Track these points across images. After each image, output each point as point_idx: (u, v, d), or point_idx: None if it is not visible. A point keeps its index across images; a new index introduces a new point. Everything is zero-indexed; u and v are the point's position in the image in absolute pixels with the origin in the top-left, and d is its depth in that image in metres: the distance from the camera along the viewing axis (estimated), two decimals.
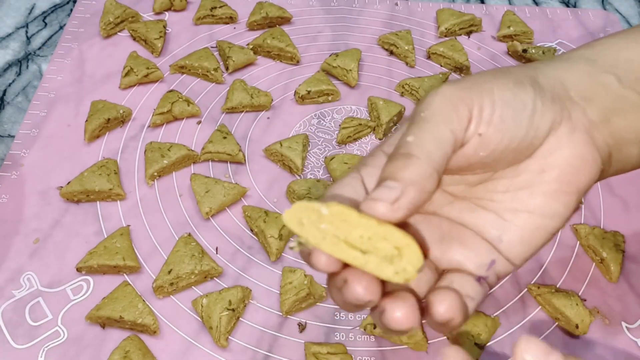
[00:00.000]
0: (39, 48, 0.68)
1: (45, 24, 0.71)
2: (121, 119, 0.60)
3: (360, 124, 0.60)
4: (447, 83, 0.29)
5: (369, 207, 0.25)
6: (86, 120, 0.59)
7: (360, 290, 0.25)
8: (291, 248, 0.27)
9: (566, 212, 0.31)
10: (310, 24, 0.73)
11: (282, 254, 0.52)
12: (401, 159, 0.26)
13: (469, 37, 0.73)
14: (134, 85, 0.64)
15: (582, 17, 0.76)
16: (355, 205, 0.27)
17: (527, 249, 0.31)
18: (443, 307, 0.27)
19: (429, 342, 0.46)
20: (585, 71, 0.32)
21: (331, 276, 0.27)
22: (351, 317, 0.48)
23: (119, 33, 0.70)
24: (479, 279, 0.30)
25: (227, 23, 0.72)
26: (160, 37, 0.67)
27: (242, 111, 0.63)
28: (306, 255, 0.26)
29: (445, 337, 0.47)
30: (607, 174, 0.34)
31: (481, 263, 0.31)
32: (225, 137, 0.58)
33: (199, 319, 0.47)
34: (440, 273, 0.31)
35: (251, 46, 0.67)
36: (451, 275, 0.30)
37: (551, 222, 0.31)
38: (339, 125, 0.61)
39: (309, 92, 0.63)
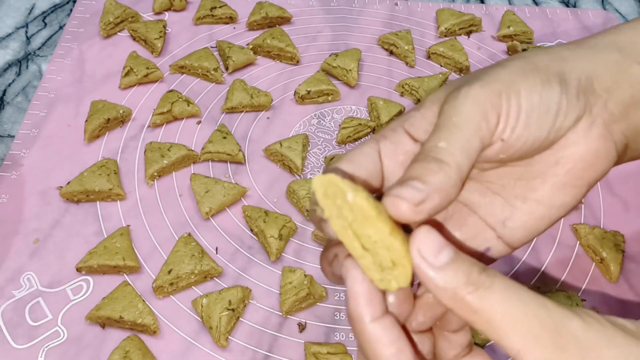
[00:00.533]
0: (39, 48, 0.68)
1: (45, 24, 0.71)
2: (121, 119, 0.60)
3: (360, 124, 0.60)
4: (477, 82, 0.29)
5: (393, 204, 0.25)
6: (86, 120, 0.59)
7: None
8: (309, 209, 0.27)
9: (572, 202, 0.31)
10: (310, 24, 0.73)
11: (282, 254, 0.52)
12: (432, 163, 0.26)
13: (468, 37, 0.73)
14: (134, 85, 0.64)
15: (582, 17, 0.76)
16: (370, 177, 0.28)
17: (527, 234, 0.31)
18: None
19: None
20: (612, 61, 0.32)
21: (326, 249, 0.29)
22: None
23: (118, 33, 0.70)
24: None
25: (227, 23, 0.72)
26: (160, 37, 0.67)
27: (242, 111, 0.63)
28: (318, 219, 0.27)
29: None
30: (621, 161, 0.34)
31: (476, 249, 0.31)
32: (225, 137, 0.58)
33: (199, 319, 0.47)
34: None
35: (251, 46, 0.67)
36: None
37: (556, 212, 0.31)
38: (339, 125, 0.61)
39: (308, 92, 0.63)
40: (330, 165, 0.29)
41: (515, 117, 0.28)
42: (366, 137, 0.61)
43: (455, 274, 0.24)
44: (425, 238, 0.24)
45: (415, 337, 0.29)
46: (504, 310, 0.23)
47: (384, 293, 0.26)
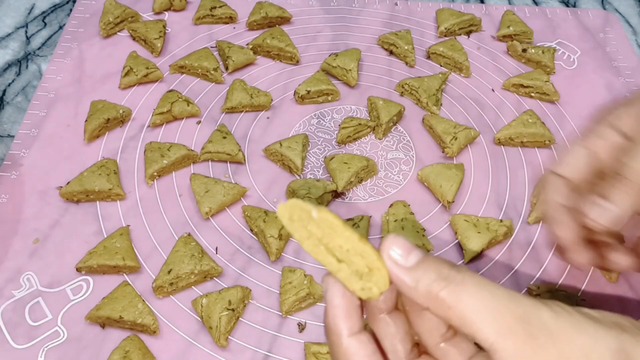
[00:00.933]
0: (39, 48, 0.68)
1: (45, 24, 0.71)
2: (121, 119, 0.60)
3: (360, 124, 0.60)
4: None
5: (596, 214, 0.31)
6: (86, 120, 0.59)
7: None
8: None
9: None
10: (309, 24, 0.73)
11: (282, 253, 0.52)
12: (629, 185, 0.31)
13: (468, 37, 0.73)
14: (134, 85, 0.64)
15: (581, 17, 0.76)
16: (586, 173, 0.35)
17: None
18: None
19: None
20: None
21: None
22: None
23: (118, 33, 0.70)
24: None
25: (226, 23, 0.72)
26: (160, 37, 0.67)
27: (241, 111, 0.63)
28: None
29: None
30: None
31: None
32: (225, 137, 0.58)
33: (199, 318, 0.47)
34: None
35: (251, 46, 0.67)
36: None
37: None
38: (339, 125, 0.61)
39: (308, 92, 0.63)
40: (551, 171, 0.36)
41: None
42: (366, 137, 0.61)
43: (425, 271, 0.25)
44: (394, 243, 0.25)
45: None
46: (477, 304, 0.24)
47: (362, 308, 0.27)
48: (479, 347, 0.27)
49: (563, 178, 0.35)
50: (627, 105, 0.34)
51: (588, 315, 0.24)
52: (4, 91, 0.64)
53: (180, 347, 0.46)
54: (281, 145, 0.57)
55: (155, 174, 0.56)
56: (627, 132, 0.33)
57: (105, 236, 0.51)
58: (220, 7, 0.71)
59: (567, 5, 0.79)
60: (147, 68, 0.63)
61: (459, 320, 0.24)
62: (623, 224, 0.30)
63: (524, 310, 0.23)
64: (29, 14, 0.72)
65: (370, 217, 0.54)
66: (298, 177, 0.57)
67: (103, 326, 0.47)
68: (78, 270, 0.49)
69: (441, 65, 0.69)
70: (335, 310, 0.26)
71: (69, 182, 0.54)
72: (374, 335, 0.27)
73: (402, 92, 0.65)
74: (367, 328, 0.27)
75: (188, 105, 0.61)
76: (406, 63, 0.69)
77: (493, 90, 0.66)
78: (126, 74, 0.63)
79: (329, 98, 0.64)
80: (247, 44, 0.68)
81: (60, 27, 0.71)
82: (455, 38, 0.70)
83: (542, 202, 0.33)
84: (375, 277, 0.25)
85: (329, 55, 0.67)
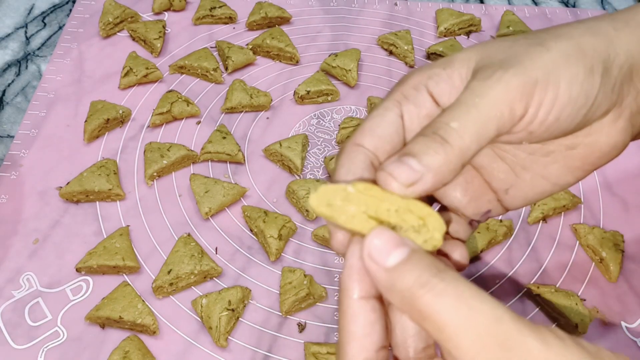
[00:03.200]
0: (38, 48, 0.68)
1: (45, 24, 0.71)
2: (120, 119, 0.60)
3: (359, 124, 0.60)
4: (515, 67, 0.27)
5: (384, 181, 0.25)
6: (85, 121, 0.59)
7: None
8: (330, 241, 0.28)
9: (575, 182, 0.32)
10: (309, 24, 0.73)
11: (282, 254, 0.52)
12: (436, 142, 0.25)
13: (468, 37, 0.73)
14: (134, 86, 0.64)
15: (581, 17, 0.76)
16: (394, 149, 0.27)
17: (524, 203, 0.32)
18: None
19: None
20: None
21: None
22: None
23: (118, 33, 0.70)
24: (471, 222, 0.32)
25: (226, 23, 0.72)
26: (160, 37, 0.67)
27: (241, 111, 0.63)
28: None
29: None
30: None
31: (478, 211, 0.32)
32: (224, 137, 0.58)
33: (199, 319, 0.47)
34: (439, 208, 0.32)
35: (250, 46, 0.67)
36: (448, 214, 0.32)
37: (558, 189, 0.32)
38: (339, 125, 0.61)
39: (308, 92, 0.63)
40: (351, 136, 0.29)
41: (547, 109, 0.27)
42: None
43: (403, 274, 0.23)
44: (376, 236, 0.24)
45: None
46: (455, 320, 0.21)
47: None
48: None
49: (366, 150, 0.28)
50: (445, 67, 0.28)
51: (585, 350, 0.22)
52: (4, 91, 0.64)
53: (180, 347, 0.46)
54: (281, 145, 0.57)
55: (155, 174, 0.56)
56: (444, 103, 0.28)
57: (105, 236, 0.51)
58: (219, 7, 0.71)
59: (567, 5, 0.79)
60: (147, 68, 0.63)
61: (437, 332, 0.22)
62: (433, 190, 0.25)
63: (507, 336, 0.21)
64: (28, 14, 0.72)
65: None
66: (298, 177, 0.57)
67: (103, 326, 0.47)
68: (78, 270, 0.49)
69: None
70: (350, 270, 0.25)
71: (68, 183, 0.54)
72: (388, 322, 0.26)
73: None
74: (384, 308, 0.26)
75: (188, 106, 0.61)
76: (406, 63, 0.69)
77: None
78: (126, 74, 0.63)
79: (329, 98, 0.64)
80: (247, 44, 0.68)
81: (60, 28, 0.71)
82: (455, 38, 0.70)
83: (335, 177, 0.27)
84: (430, 224, 0.25)
85: (329, 56, 0.67)
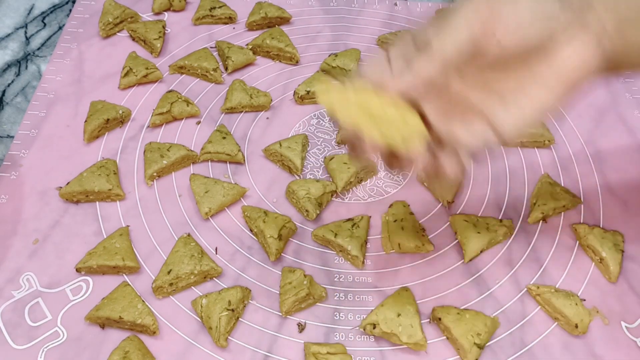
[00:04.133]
0: (38, 48, 0.68)
1: (45, 25, 0.71)
2: (120, 119, 0.60)
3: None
4: None
5: (393, 76, 0.35)
6: (85, 121, 0.59)
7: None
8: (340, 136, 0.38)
9: (557, 101, 0.36)
10: (309, 24, 0.73)
11: (282, 254, 0.52)
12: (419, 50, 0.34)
13: None
14: (133, 86, 0.64)
15: None
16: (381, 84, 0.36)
17: (517, 129, 0.37)
18: (449, 167, 0.37)
19: (428, 342, 0.46)
20: None
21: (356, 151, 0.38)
22: (350, 317, 0.48)
23: (118, 33, 0.70)
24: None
25: (226, 23, 0.72)
26: (160, 37, 0.67)
27: (241, 111, 0.63)
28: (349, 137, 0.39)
29: (445, 337, 0.47)
30: (617, 74, 0.38)
31: (476, 140, 0.37)
32: (224, 138, 0.58)
33: (199, 319, 0.47)
34: (438, 142, 0.37)
35: (250, 46, 0.67)
36: (449, 147, 0.37)
37: (544, 108, 0.36)
38: (339, 126, 0.61)
39: (308, 92, 0.63)
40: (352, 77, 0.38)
41: (513, 20, 0.33)
42: None
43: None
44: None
45: None
46: None
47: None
48: None
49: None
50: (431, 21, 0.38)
51: None
52: (4, 92, 0.64)
53: (180, 347, 0.46)
54: (281, 145, 0.57)
55: (155, 174, 0.56)
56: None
57: (105, 236, 0.51)
58: (219, 7, 0.71)
59: None
60: (147, 68, 0.63)
61: None
62: (417, 92, 0.34)
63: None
64: (28, 14, 0.72)
65: (370, 217, 0.54)
66: (298, 178, 0.57)
67: (103, 327, 0.47)
68: (78, 270, 0.49)
69: None
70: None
71: (68, 183, 0.54)
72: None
73: None
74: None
75: (187, 106, 0.61)
76: None
77: None
78: (126, 75, 0.63)
79: None
80: (247, 45, 0.68)
81: (60, 28, 0.71)
82: None
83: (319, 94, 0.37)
84: (410, 123, 0.33)
85: (329, 56, 0.67)
